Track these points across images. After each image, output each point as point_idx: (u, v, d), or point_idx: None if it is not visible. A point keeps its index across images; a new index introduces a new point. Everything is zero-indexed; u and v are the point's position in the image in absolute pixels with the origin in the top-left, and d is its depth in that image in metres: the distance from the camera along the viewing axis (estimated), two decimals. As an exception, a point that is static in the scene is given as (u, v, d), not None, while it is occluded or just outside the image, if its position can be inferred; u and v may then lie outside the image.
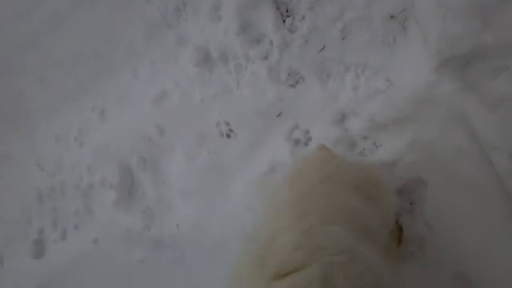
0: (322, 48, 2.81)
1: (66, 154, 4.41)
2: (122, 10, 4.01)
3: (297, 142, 2.95)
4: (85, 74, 4.22)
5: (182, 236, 3.44)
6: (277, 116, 3.01)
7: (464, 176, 2.23)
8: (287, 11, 3.01)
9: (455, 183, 2.26)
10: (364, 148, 2.69)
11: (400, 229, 2.36)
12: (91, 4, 4.27)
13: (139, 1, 3.85)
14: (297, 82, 2.96)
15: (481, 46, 2.10)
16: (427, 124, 2.36)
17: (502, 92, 2.11)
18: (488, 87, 2.16)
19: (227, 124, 3.26)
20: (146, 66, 3.77)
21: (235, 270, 1.28)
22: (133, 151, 3.74)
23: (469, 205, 2.21)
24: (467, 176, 2.22)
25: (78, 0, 4.39)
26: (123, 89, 3.93)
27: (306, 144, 2.92)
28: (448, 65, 2.23)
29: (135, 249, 3.69)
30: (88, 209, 4.14)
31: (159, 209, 3.63)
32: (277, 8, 3.01)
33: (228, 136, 3.28)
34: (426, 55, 2.31)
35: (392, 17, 2.56)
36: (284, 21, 3.00)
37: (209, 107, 3.32)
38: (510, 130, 2.07)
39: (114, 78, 4.00)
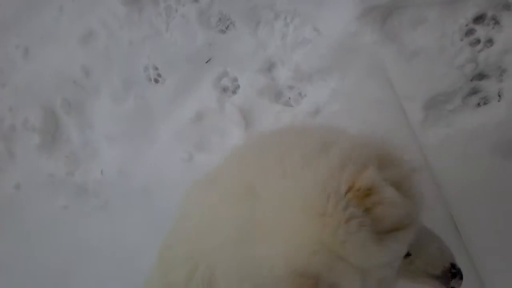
0: (253, -7, 2.75)
1: (-12, 94, 4.16)
2: None
3: (225, 89, 2.92)
4: (9, 9, 3.95)
5: (107, 182, 3.38)
6: (206, 62, 2.96)
7: (380, 127, 2.28)
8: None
9: (371, 133, 2.30)
10: (289, 98, 2.71)
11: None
12: None
13: None
14: (227, 27, 2.91)
15: (402, -5, 2.13)
16: (348, 74, 2.40)
17: (419, 44, 2.17)
18: (406, 39, 2.21)
19: (156, 68, 3.18)
20: (72, 2, 3.57)
21: None
22: (57, 93, 3.58)
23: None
24: (383, 126, 2.27)
25: None
26: (48, 27, 3.72)
27: (234, 92, 2.89)
28: (370, 15, 2.25)
29: (59, 195, 3.59)
30: (10, 152, 3.96)
31: (84, 155, 3.54)
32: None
33: (156, 81, 3.20)
34: (351, 4, 2.31)
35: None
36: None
37: (138, 50, 3.22)
38: (424, 81, 2.13)
39: (39, 15, 3.77)
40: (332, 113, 2.45)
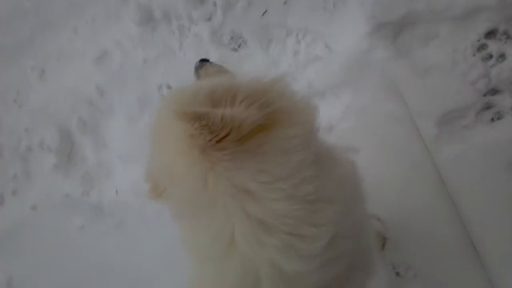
0: (264, 12, 2.79)
1: (4, 115, 4.23)
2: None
3: (238, 107, 2.93)
4: (24, 31, 4.04)
5: (122, 202, 3.39)
6: (219, 81, 2.97)
7: (393, 143, 2.28)
8: (231, -27, 2.96)
9: (385, 150, 2.30)
10: (302, 116, 2.70)
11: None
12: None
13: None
14: (239, 46, 2.94)
15: (413, 12, 2.14)
16: (361, 90, 2.39)
17: (431, 60, 2.17)
18: (418, 55, 2.21)
19: (169, 87, 3.22)
20: (87, 24, 3.65)
21: None
22: (73, 113, 3.63)
23: (398, 173, 2.26)
24: (397, 143, 2.27)
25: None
26: (63, 48, 3.80)
27: (246, 110, 2.90)
28: (381, 32, 2.26)
29: (75, 215, 3.61)
30: (26, 173, 4.01)
31: (99, 174, 3.56)
32: (222, -31, 2.96)
33: (169, 100, 3.22)
34: (362, 21, 2.33)
35: (333, -18, 2.56)
36: (228, -17, 2.96)
37: (152, 69, 3.27)
38: (437, 97, 2.13)
39: (54, 36, 3.85)
40: (345, 129, 2.45)
